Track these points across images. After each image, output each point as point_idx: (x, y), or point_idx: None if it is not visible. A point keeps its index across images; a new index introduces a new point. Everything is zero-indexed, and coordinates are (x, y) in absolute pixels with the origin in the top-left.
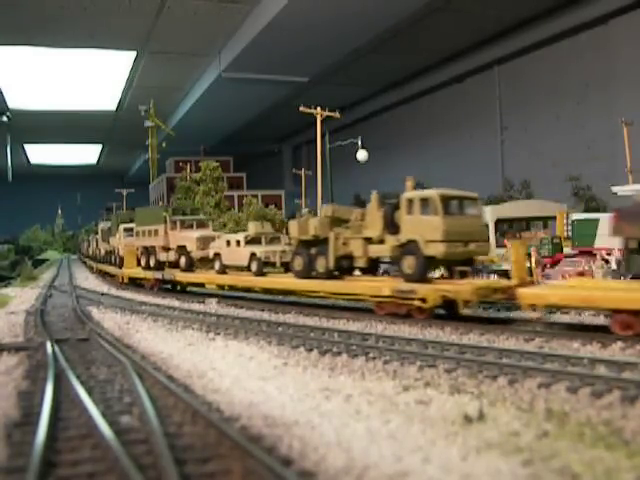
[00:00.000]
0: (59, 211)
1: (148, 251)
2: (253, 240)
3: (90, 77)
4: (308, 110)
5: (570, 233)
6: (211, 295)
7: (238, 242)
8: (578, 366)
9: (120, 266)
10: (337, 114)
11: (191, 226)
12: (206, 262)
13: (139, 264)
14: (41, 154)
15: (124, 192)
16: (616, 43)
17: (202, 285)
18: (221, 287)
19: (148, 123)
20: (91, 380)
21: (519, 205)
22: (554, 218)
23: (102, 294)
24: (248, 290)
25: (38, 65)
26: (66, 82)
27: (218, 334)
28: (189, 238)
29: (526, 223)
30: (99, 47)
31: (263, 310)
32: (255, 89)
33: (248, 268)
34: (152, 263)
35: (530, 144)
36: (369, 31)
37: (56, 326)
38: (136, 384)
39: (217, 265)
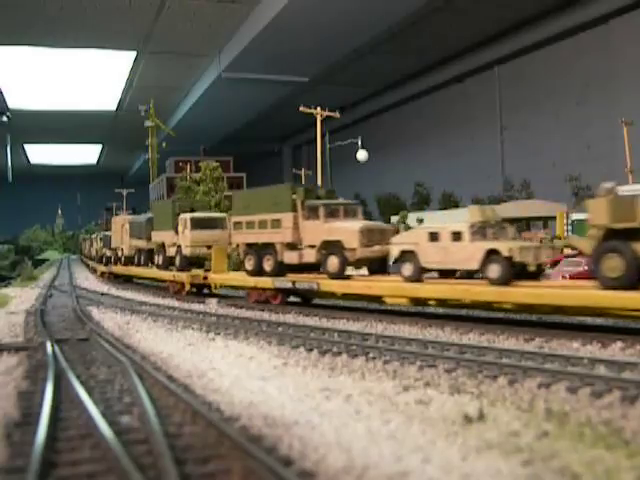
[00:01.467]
0: (59, 211)
1: (259, 250)
2: (479, 231)
3: (90, 77)
4: (308, 110)
5: (570, 233)
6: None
7: (457, 234)
8: (578, 366)
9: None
10: (337, 114)
11: (334, 213)
12: (362, 264)
13: (232, 268)
14: (41, 154)
15: (124, 192)
16: (616, 43)
17: (375, 298)
18: (418, 303)
19: (148, 123)
20: (91, 380)
21: (519, 205)
22: (554, 218)
23: (102, 294)
24: (486, 307)
25: (38, 65)
26: (66, 82)
27: (218, 334)
28: (346, 230)
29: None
30: (99, 47)
31: (263, 310)
32: (255, 89)
33: (473, 273)
34: (268, 266)
35: (530, 144)
36: (369, 31)
37: (56, 326)
38: (136, 384)
39: (407, 269)
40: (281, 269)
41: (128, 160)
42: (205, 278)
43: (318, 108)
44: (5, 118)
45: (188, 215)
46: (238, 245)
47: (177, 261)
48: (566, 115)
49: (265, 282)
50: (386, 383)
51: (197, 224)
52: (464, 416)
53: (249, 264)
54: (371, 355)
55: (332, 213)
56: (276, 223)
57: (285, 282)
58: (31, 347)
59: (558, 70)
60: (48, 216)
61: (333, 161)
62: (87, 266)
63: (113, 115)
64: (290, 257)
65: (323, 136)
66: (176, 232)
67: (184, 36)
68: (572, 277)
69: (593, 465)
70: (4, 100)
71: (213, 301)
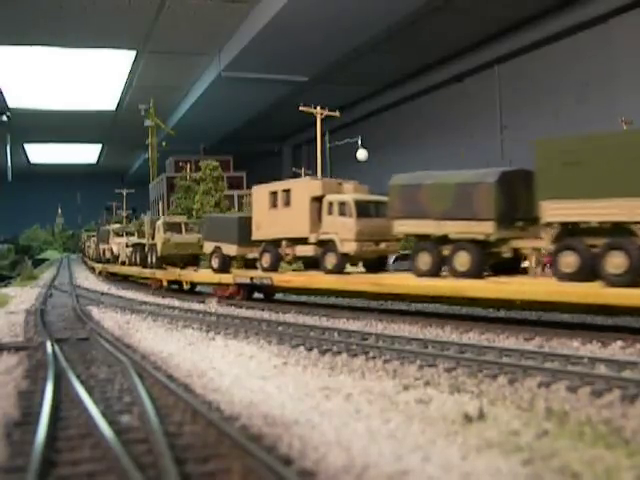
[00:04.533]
0: (59, 211)
1: None
2: None
3: (90, 77)
4: (308, 109)
5: None
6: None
7: None
8: (578, 365)
9: None
10: (337, 113)
11: None
12: None
13: None
14: (41, 154)
15: (124, 192)
16: (616, 42)
17: None
18: None
19: (148, 122)
20: (91, 379)
21: None
22: None
23: (102, 294)
24: None
25: (38, 65)
26: (66, 82)
27: (218, 333)
28: None
29: None
30: (99, 47)
31: (263, 310)
32: (255, 89)
33: None
34: None
35: (530, 144)
36: (369, 30)
37: (56, 326)
38: (136, 383)
39: None
40: None
41: (128, 160)
42: None
43: (318, 107)
44: (5, 118)
45: None
46: None
47: None
48: (566, 114)
49: None
50: (386, 382)
51: None
52: (464, 415)
53: None
54: (371, 354)
55: None
56: None
57: None
58: (31, 347)
59: (558, 69)
60: (48, 216)
61: (333, 160)
62: (93, 269)
63: (113, 115)
64: None
65: (323, 135)
66: None
67: (184, 36)
68: None
69: (593, 464)
70: (4, 100)
71: (213, 301)
